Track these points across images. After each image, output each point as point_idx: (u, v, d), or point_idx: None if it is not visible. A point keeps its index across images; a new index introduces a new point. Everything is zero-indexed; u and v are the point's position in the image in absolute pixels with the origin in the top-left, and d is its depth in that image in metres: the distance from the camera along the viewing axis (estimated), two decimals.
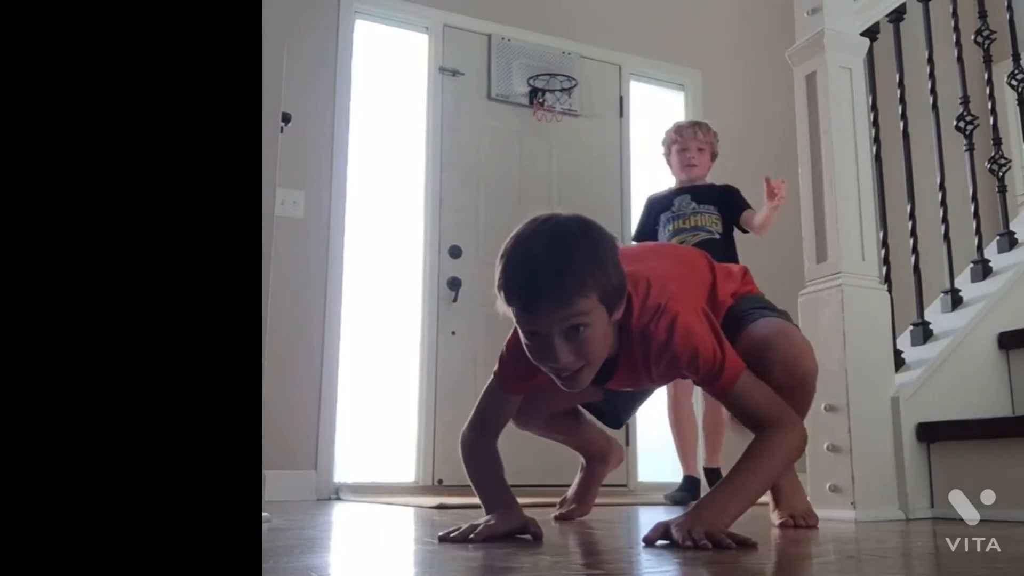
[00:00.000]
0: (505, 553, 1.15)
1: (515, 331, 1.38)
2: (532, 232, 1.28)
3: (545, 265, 1.21)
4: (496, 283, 1.29)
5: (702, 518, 1.21)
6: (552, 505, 2.16)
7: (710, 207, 3.04)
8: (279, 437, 3.20)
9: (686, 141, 3.15)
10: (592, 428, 1.87)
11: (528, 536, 1.32)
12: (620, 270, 1.28)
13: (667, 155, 3.22)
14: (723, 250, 2.88)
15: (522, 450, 3.68)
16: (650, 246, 2.54)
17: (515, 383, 1.51)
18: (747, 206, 3.08)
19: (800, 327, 2.08)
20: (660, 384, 1.65)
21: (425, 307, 3.77)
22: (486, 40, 4.06)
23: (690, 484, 2.97)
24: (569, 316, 1.21)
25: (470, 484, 1.54)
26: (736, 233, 3.12)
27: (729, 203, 3.08)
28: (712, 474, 2.98)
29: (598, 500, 2.48)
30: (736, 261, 2.81)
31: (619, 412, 1.82)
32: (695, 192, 3.10)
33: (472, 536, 1.28)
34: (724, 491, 1.28)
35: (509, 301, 1.26)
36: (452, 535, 1.29)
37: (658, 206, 3.11)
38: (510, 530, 1.34)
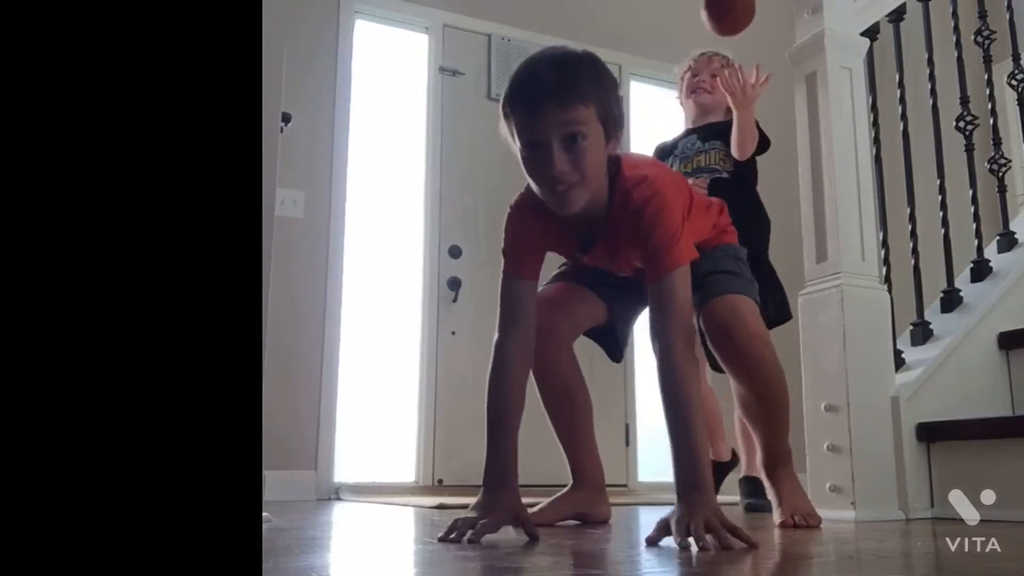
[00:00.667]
0: (505, 553, 1.15)
1: (510, 216, 1.54)
2: (540, 53, 1.39)
3: (549, 72, 1.31)
4: (501, 106, 1.40)
5: (697, 505, 1.21)
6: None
7: (716, 143, 2.55)
8: (279, 437, 3.20)
9: (698, 66, 2.73)
10: (594, 451, 1.84)
11: (520, 528, 1.34)
12: (620, 102, 1.37)
13: (680, 95, 2.77)
14: (735, 190, 2.37)
15: (522, 450, 3.68)
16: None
17: (523, 263, 1.54)
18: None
19: (800, 327, 2.08)
20: (627, 269, 1.62)
21: (425, 307, 3.77)
22: (486, 40, 4.06)
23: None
24: (569, 122, 1.28)
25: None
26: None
27: None
28: (723, 467, 2.69)
29: None
30: (756, 204, 2.52)
31: (619, 339, 1.84)
32: (702, 131, 2.63)
33: (468, 538, 1.28)
34: (690, 465, 1.29)
35: (513, 111, 1.35)
36: (451, 536, 1.29)
37: (664, 154, 2.67)
38: (502, 526, 1.35)
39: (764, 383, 1.66)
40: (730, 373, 1.70)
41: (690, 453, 1.29)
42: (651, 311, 1.45)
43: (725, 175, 2.48)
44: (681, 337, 1.38)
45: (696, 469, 1.28)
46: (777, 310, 2.38)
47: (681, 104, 2.78)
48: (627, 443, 3.98)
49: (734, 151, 2.46)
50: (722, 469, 2.71)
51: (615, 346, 1.86)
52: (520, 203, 1.56)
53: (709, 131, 2.59)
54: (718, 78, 2.50)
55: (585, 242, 1.52)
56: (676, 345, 1.37)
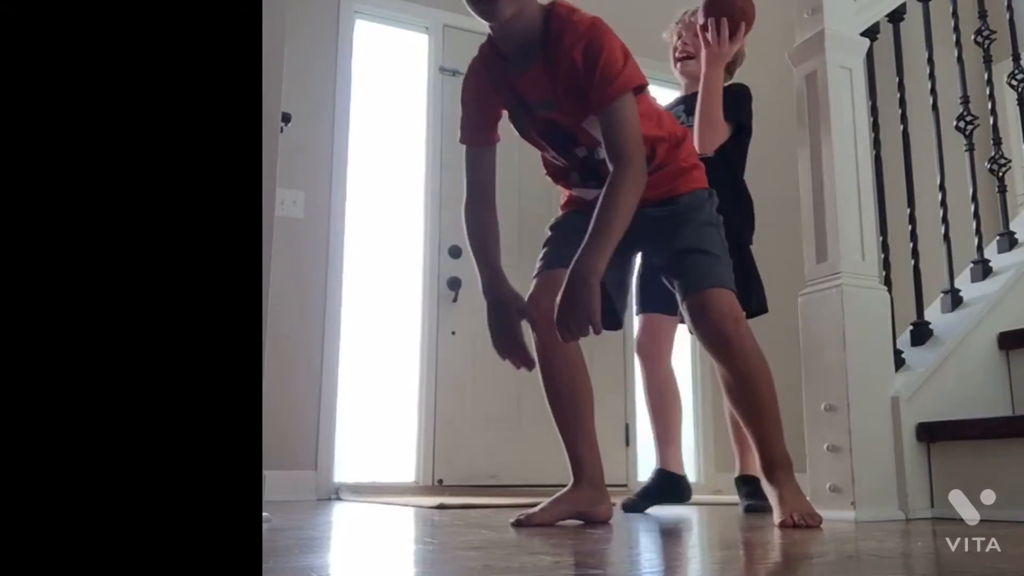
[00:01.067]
0: (505, 553, 1.15)
1: (463, 85, 1.78)
2: None
3: None
4: None
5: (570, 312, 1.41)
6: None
7: None
8: (279, 437, 3.20)
9: (683, 29, 2.48)
10: (594, 447, 1.82)
11: None
12: None
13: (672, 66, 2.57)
14: (717, 172, 2.05)
15: (522, 450, 3.69)
16: None
17: (480, 130, 1.77)
18: (741, 114, 2.40)
19: (800, 327, 2.08)
20: (572, 119, 1.67)
21: (425, 307, 3.77)
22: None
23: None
24: None
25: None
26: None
27: (727, 108, 2.32)
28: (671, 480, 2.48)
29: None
30: (741, 188, 2.37)
31: (617, 307, 1.88)
32: (689, 101, 2.43)
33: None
34: (594, 245, 1.46)
35: None
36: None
37: None
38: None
39: (750, 375, 1.71)
40: (717, 360, 1.75)
41: (601, 245, 1.53)
42: (604, 139, 1.54)
43: (708, 153, 2.24)
44: (637, 154, 1.50)
45: (597, 254, 1.53)
46: (759, 303, 2.38)
47: (676, 76, 2.66)
48: (627, 443, 3.98)
49: (696, 141, 2.23)
50: (669, 482, 2.48)
51: (613, 314, 1.84)
52: (469, 68, 1.79)
53: (695, 102, 2.37)
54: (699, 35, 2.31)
55: (519, 67, 1.66)
56: (634, 159, 1.49)
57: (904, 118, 2.39)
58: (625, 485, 3.92)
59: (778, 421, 1.76)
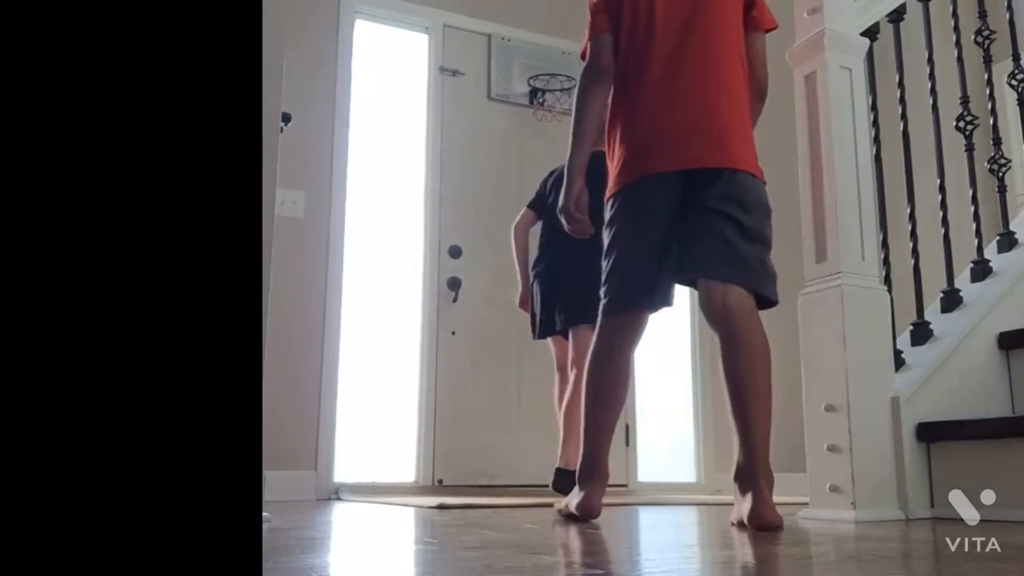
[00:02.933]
0: (505, 553, 1.15)
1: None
2: None
3: None
4: None
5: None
6: (551, 506, 2.16)
7: None
8: (279, 437, 3.20)
9: None
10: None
11: None
12: None
13: None
14: None
15: (522, 451, 3.69)
16: None
17: (604, 19, 1.94)
18: None
19: (800, 327, 2.09)
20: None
21: (425, 307, 3.77)
22: (486, 40, 4.06)
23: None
24: None
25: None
26: None
27: None
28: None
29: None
30: None
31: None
32: None
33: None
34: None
35: None
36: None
37: None
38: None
39: (760, 371, 1.69)
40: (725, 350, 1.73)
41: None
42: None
43: None
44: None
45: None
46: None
47: None
48: (627, 443, 3.98)
49: None
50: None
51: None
52: None
53: None
54: None
55: None
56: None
57: (904, 118, 2.39)
58: (625, 485, 3.92)
59: (769, 423, 1.71)
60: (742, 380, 1.67)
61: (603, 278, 1.86)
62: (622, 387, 1.87)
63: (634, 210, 1.80)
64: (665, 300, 1.84)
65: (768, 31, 1.93)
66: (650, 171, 1.78)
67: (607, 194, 1.88)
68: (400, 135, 3.99)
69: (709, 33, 1.82)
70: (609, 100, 1.94)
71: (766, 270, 1.75)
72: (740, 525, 1.60)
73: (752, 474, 1.61)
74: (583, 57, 1.98)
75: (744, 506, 1.60)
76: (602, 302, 1.86)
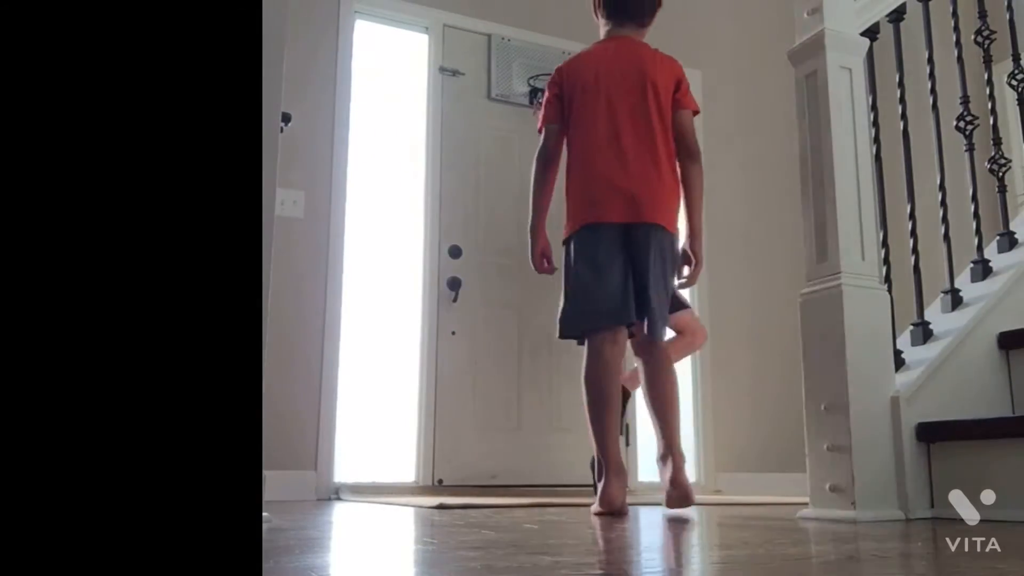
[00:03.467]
0: (505, 553, 1.15)
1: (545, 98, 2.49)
2: None
3: None
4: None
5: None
6: (551, 505, 2.16)
7: None
8: (279, 437, 3.20)
9: None
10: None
11: None
12: None
13: None
14: None
15: (522, 451, 3.69)
16: None
17: (554, 115, 2.44)
18: None
19: (800, 327, 2.09)
20: None
21: (425, 307, 3.77)
22: (486, 40, 4.06)
23: None
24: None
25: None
26: None
27: None
28: None
29: (639, 499, 2.60)
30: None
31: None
32: None
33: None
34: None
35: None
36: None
37: None
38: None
39: (675, 386, 2.40)
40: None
41: None
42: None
43: None
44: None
45: None
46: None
47: None
48: (627, 443, 3.98)
49: None
50: None
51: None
52: None
53: None
54: None
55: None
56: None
57: (904, 118, 2.39)
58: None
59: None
60: (666, 394, 2.32)
61: (573, 304, 2.32)
62: (617, 394, 2.30)
63: (591, 250, 2.28)
64: (629, 317, 2.27)
65: (695, 113, 2.45)
66: (600, 220, 2.29)
67: (565, 235, 2.37)
68: (400, 135, 3.99)
69: (649, 115, 2.34)
70: (566, 156, 2.44)
71: (664, 302, 2.32)
72: (668, 497, 2.23)
73: (672, 454, 2.27)
74: (539, 131, 2.49)
75: (667, 474, 2.25)
76: (570, 325, 2.33)
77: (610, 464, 2.22)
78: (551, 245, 2.48)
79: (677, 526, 1.88)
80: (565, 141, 2.43)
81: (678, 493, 2.21)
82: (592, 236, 2.29)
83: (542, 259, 2.47)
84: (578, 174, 2.37)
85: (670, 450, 2.28)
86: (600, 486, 2.24)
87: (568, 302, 2.33)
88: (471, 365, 3.75)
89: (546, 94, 2.49)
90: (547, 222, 2.48)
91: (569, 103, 2.40)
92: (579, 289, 2.30)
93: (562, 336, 2.37)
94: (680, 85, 2.45)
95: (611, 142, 2.32)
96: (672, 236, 2.33)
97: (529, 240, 2.49)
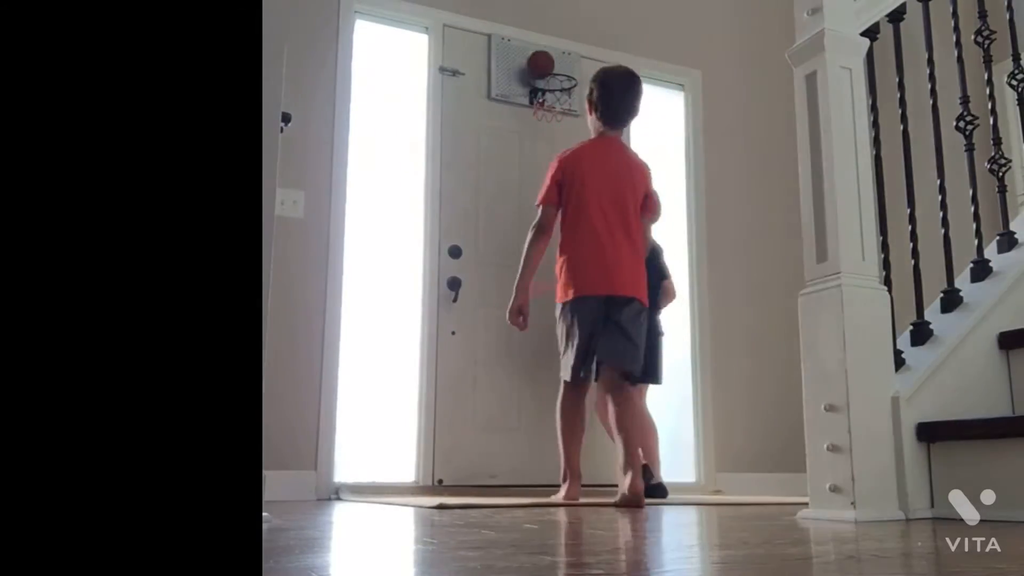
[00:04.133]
0: (505, 553, 1.15)
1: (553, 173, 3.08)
2: (624, 73, 3.20)
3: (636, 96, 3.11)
4: (596, 102, 3.12)
5: None
6: (551, 506, 2.16)
7: None
8: (279, 437, 3.20)
9: None
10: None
11: None
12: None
13: None
14: None
15: (522, 451, 3.69)
16: None
17: (554, 197, 3.03)
18: None
19: (800, 327, 2.09)
20: None
21: (425, 307, 3.77)
22: (486, 40, 4.05)
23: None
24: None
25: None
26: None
27: None
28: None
29: (596, 500, 2.63)
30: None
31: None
32: None
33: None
34: None
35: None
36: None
37: None
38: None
39: (636, 417, 3.07)
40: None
41: None
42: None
43: None
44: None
45: None
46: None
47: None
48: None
49: None
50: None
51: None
52: None
53: None
54: None
55: None
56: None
57: (904, 118, 2.39)
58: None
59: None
60: (628, 425, 2.83)
61: (568, 359, 2.91)
62: (582, 424, 2.99)
63: (580, 317, 2.88)
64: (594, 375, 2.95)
65: (655, 217, 3.32)
66: (587, 293, 2.89)
67: (560, 301, 2.96)
68: (400, 135, 3.99)
69: (627, 210, 2.97)
70: (560, 231, 3.03)
71: (637, 356, 2.89)
72: (622, 498, 2.70)
73: (629, 464, 2.75)
74: (538, 205, 3.07)
75: (626, 481, 2.71)
76: (567, 375, 2.92)
77: (574, 471, 2.91)
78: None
79: (677, 526, 1.88)
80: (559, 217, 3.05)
81: (633, 497, 2.71)
82: (580, 306, 2.89)
83: (518, 315, 3.02)
84: (569, 250, 2.96)
85: (629, 461, 2.78)
86: (567, 487, 2.88)
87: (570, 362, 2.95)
88: (471, 365, 3.75)
89: (548, 179, 3.06)
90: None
91: (569, 189, 2.99)
92: (575, 352, 2.90)
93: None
94: (648, 193, 3.13)
95: (601, 229, 2.92)
96: (643, 306, 2.95)
97: (513, 293, 3.03)
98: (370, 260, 3.79)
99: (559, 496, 2.86)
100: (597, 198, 2.95)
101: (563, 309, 2.94)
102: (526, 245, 3.05)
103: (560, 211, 3.01)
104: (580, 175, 2.98)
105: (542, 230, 3.04)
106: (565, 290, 2.93)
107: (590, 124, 3.17)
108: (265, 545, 1.09)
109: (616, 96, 3.12)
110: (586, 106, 3.20)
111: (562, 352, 2.95)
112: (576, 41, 4.22)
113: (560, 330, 2.97)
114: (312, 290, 3.52)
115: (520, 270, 3.03)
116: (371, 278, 3.79)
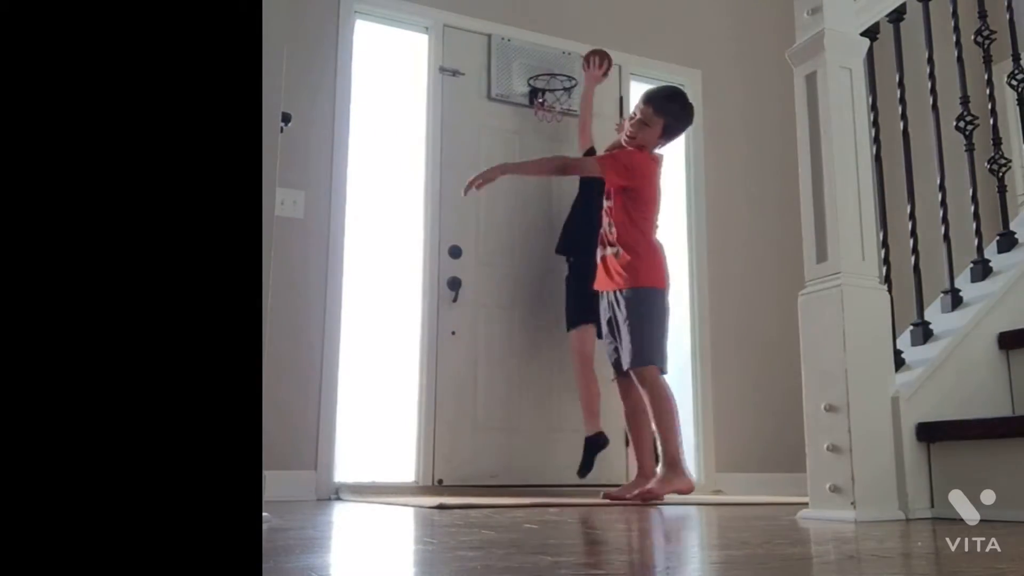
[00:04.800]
0: (505, 553, 1.15)
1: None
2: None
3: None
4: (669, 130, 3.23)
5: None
6: (550, 506, 2.16)
7: None
8: (279, 437, 3.20)
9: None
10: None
11: None
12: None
13: None
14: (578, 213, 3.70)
15: (522, 451, 3.69)
16: None
17: (616, 179, 3.20)
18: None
19: (800, 327, 2.09)
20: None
21: (425, 307, 3.77)
22: (486, 40, 4.05)
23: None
24: None
25: None
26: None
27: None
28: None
29: (596, 500, 2.64)
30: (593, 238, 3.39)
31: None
32: None
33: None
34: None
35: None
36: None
37: None
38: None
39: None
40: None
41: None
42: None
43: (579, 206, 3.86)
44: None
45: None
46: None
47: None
48: (627, 443, 3.98)
49: None
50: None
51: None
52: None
53: None
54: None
55: None
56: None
57: (904, 118, 2.39)
58: (624, 485, 3.92)
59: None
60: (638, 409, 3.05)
61: (663, 346, 3.10)
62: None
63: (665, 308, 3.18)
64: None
65: None
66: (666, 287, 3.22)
67: (659, 286, 3.09)
68: (400, 135, 3.98)
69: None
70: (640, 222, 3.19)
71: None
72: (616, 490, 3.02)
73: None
74: (595, 159, 3.35)
75: (638, 484, 2.98)
76: (664, 363, 3.09)
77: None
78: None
79: (677, 525, 1.88)
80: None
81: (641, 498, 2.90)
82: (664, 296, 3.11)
83: (481, 180, 3.10)
84: (658, 247, 3.17)
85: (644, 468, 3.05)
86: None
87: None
88: (471, 365, 3.75)
89: (642, 166, 3.16)
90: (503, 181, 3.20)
91: (650, 188, 3.18)
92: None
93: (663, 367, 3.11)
94: None
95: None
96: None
97: (498, 170, 3.18)
98: (370, 260, 3.79)
99: (661, 491, 2.95)
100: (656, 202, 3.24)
101: (660, 295, 3.06)
102: (549, 156, 3.49)
103: (622, 196, 3.12)
104: (658, 184, 3.23)
105: (568, 168, 3.40)
106: (661, 276, 3.08)
107: (645, 138, 3.20)
108: (265, 545, 1.09)
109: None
110: (651, 121, 3.19)
111: (656, 338, 3.01)
112: (576, 41, 4.22)
113: (654, 314, 3.02)
114: (312, 290, 3.52)
115: (519, 164, 3.38)
116: (371, 278, 3.79)
